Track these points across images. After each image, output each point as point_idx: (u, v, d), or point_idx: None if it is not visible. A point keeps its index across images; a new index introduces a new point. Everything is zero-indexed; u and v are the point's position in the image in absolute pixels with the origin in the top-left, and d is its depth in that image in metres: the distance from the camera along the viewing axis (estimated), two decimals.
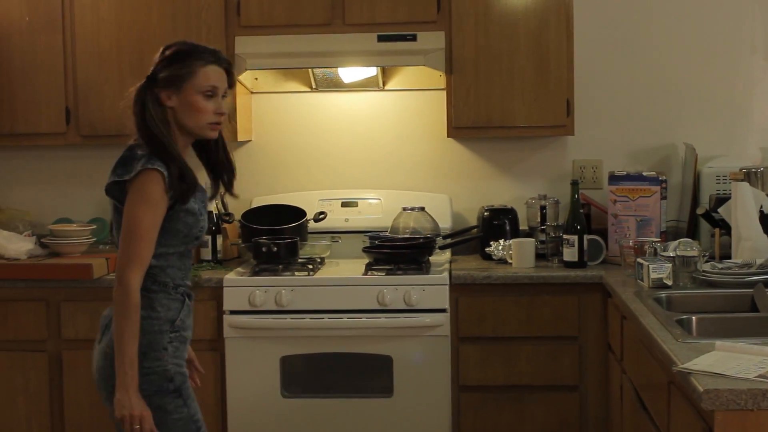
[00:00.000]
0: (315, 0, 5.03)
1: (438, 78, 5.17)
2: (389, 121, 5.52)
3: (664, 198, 5.00)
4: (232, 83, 3.40)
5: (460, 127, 5.10)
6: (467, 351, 4.79)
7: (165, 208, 3.21)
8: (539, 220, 5.17)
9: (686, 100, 5.37)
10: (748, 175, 4.80)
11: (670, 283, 4.21)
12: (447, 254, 5.28)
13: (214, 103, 3.31)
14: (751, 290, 4.03)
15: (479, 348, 4.79)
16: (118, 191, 3.26)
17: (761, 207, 4.61)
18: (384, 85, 5.46)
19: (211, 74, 3.30)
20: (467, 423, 4.81)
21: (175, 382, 3.29)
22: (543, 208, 5.16)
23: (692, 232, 5.09)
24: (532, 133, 5.14)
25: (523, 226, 5.27)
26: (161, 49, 3.35)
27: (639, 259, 4.38)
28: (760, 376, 2.74)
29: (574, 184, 4.93)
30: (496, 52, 5.04)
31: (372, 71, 5.26)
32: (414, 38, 4.99)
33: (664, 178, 5.03)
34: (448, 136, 5.15)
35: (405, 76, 5.43)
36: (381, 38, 4.98)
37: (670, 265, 4.23)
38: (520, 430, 4.80)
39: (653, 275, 4.21)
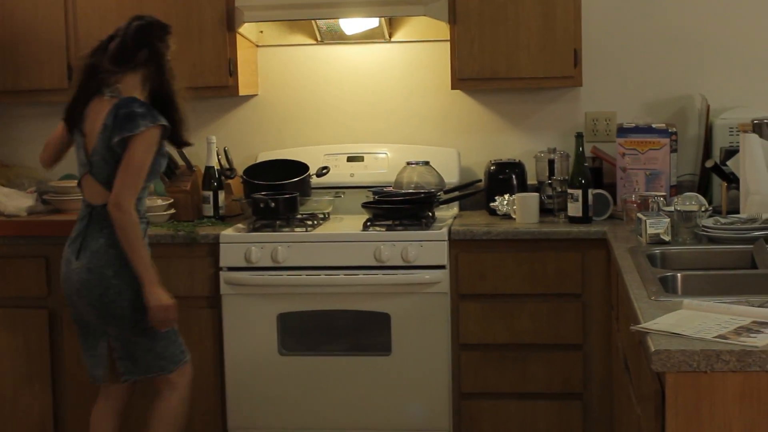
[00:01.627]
0: None
1: (445, 29, 5.03)
2: (396, 74, 5.39)
3: (674, 151, 4.84)
4: None
5: (464, 79, 4.97)
6: (467, 308, 4.69)
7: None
8: (548, 174, 5.03)
9: (704, 49, 5.18)
10: (759, 127, 4.62)
11: (667, 238, 4.06)
12: (454, 209, 5.17)
13: None
14: (752, 246, 3.87)
15: (480, 305, 4.68)
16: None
17: None
18: (390, 37, 5.34)
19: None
20: (468, 381, 4.71)
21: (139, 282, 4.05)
22: (551, 162, 5.02)
23: (704, 186, 4.92)
24: (538, 84, 5.00)
25: (531, 181, 5.13)
26: None
27: (638, 214, 4.24)
28: (720, 336, 2.60)
29: (578, 137, 4.78)
30: (500, 1, 4.88)
31: (374, 22, 5.14)
32: None
33: (674, 130, 4.86)
34: (452, 88, 5.03)
35: (412, 28, 5.30)
36: None
37: (668, 220, 4.08)
38: (523, 389, 4.70)
39: (650, 230, 4.07)
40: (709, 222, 4.15)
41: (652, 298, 3.10)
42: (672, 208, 4.18)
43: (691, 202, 4.17)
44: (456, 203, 5.16)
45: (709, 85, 5.13)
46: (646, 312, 2.92)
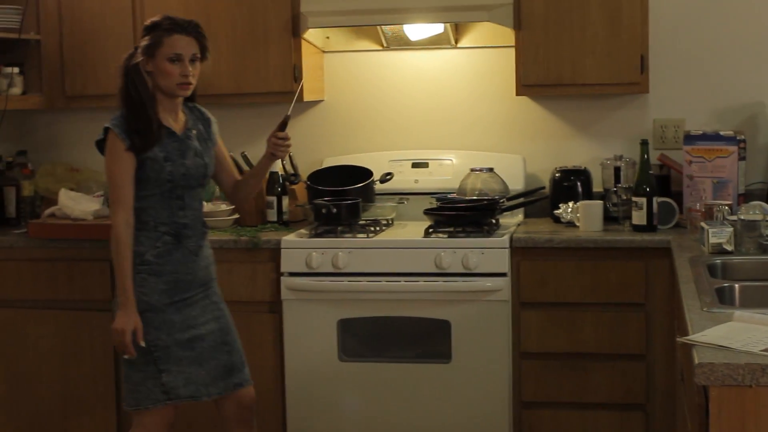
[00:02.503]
0: None
1: (510, 34, 4.98)
2: (462, 80, 5.36)
3: (742, 159, 4.74)
4: (204, 49, 3.98)
5: (529, 85, 4.92)
6: (528, 317, 4.64)
7: (132, 159, 3.85)
8: (613, 182, 4.96)
9: None
10: None
11: (730, 248, 3.98)
12: (519, 216, 5.12)
13: (180, 67, 3.88)
14: None
15: (541, 314, 4.63)
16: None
17: None
18: (456, 42, 5.31)
19: (176, 42, 3.89)
20: (528, 391, 4.66)
21: (137, 307, 3.84)
22: (617, 169, 4.95)
23: None
24: (603, 91, 4.94)
25: (597, 188, 5.07)
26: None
27: (702, 223, 4.16)
28: (767, 350, 2.54)
29: (644, 144, 4.71)
30: (566, 5, 4.83)
31: (439, 28, 5.11)
32: None
33: (743, 137, 4.76)
34: (517, 95, 4.98)
35: (477, 33, 5.26)
36: None
37: (732, 229, 4.00)
38: (584, 399, 4.63)
39: (713, 240, 4.00)
40: None
41: (705, 309, 3.04)
42: (736, 218, 4.10)
43: (755, 211, 4.09)
44: (521, 210, 5.12)
45: None
46: (697, 323, 2.86)
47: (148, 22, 3.97)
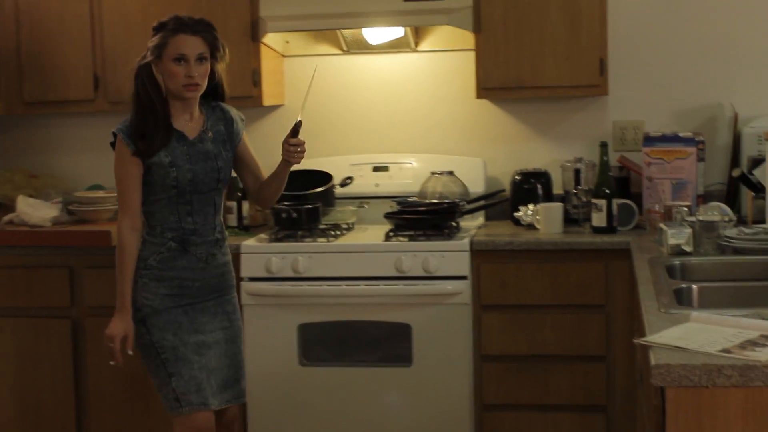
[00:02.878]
0: None
1: (470, 38, 4.98)
2: (422, 83, 5.35)
3: (701, 160, 4.76)
4: (214, 48, 3.82)
5: (489, 88, 4.93)
6: (489, 319, 4.64)
7: (138, 163, 3.77)
8: (574, 184, 4.96)
9: (733, 56, 5.09)
10: None
11: (689, 249, 3.99)
12: (480, 219, 5.12)
13: (185, 68, 3.74)
14: None
15: (502, 316, 4.64)
16: None
17: None
18: (416, 46, 5.30)
19: (180, 42, 3.74)
20: (490, 393, 4.67)
21: (141, 312, 3.79)
22: (577, 171, 4.95)
23: (733, 196, 4.83)
24: (563, 93, 4.95)
25: (558, 191, 5.07)
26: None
27: (661, 224, 4.17)
28: (724, 350, 2.54)
29: (603, 146, 4.73)
30: (525, 8, 4.84)
31: (399, 32, 5.10)
32: None
33: (702, 139, 4.79)
34: (477, 98, 4.98)
35: (438, 37, 5.26)
36: None
37: (690, 230, 4.01)
38: (545, 401, 4.64)
39: (671, 241, 4.01)
40: (732, 232, 4.08)
41: (662, 310, 3.04)
42: (695, 219, 4.11)
43: (713, 212, 4.10)
44: (482, 213, 5.12)
45: (739, 93, 5.05)
46: (654, 324, 2.87)
47: (155, 22, 3.83)
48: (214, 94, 3.93)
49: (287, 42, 5.31)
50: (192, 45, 3.75)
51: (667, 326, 2.81)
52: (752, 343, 2.59)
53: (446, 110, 5.34)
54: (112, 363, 3.77)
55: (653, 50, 5.14)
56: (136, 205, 3.79)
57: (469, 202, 4.91)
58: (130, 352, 3.76)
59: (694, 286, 3.44)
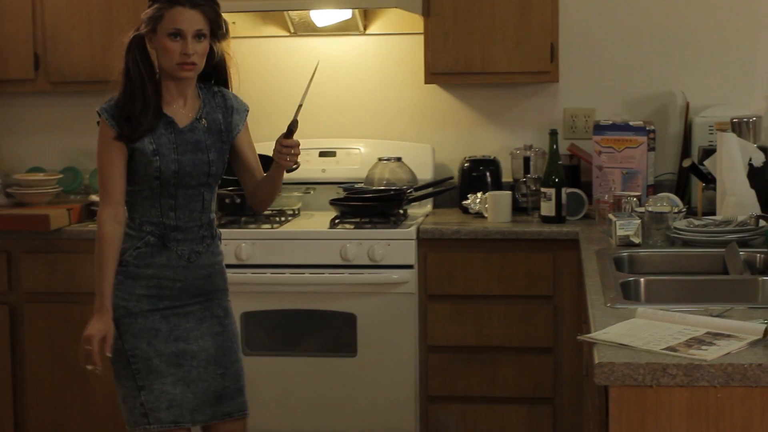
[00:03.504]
0: None
1: (420, 21, 4.89)
2: (371, 67, 5.25)
3: (652, 149, 4.70)
4: (215, 24, 3.43)
5: (437, 73, 4.85)
6: (436, 309, 4.56)
7: (121, 148, 3.39)
8: (523, 172, 4.89)
9: (685, 45, 5.02)
10: (739, 125, 4.50)
11: (637, 241, 3.92)
12: (428, 207, 5.04)
13: (181, 45, 3.36)
14: (724, 250, 3.73)
15: (448, 306, 4.56)
16: None
17: (750, 159, 4.30)
18: (365, 29, 5.20)
19: (177, 16, 3.35)
20: (435, 385, 4.59)
21: (115, 313, 3.40)
22: (527, 159, 4.88)
23: (683, 187, 4.78)
24: (513, 80, 4.88)
25: (507, 179, 5.00)
26: None
27: (610, 215, 4.10)
28: (669, 348, 2.48)
29: (552, 134, 4.66)
30: None
31: (347, 14, 5.01)
32: None
33: (653, 128, 4.72)
34: (425, 83, 4.90)
35: (387, 20, 5.17)
36: None
37: (639, 221, 3.95)
38: (491, 393, 4.57)
39: (620, 232, 3.94)
40: (682, 224, 4.02)
41: (608, 304, 2.98)
42: (644, 209, 4.05)
43: (663, 203, 4.03)
44: (430, 201, 5.04)
45: (692, 82, 4.99)
46: (599, 320, 2.80)
47: None
48: (216, 77, 3.56)
49: (233, 23, 5.17)
50: (190, 19, 3.34)
51: (613, 322, 2.75)
52: (699, 341, 2.53)
53: (395, 95, 5.24)
54: (89, 367, 3.36)
55: (605, 37, 5.07)
56: (119, 193, 3.40)
57: (417, 189, 4.82)
58: (109, 354, 3.37)
59: (642, 280, 3.38)
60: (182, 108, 3.44)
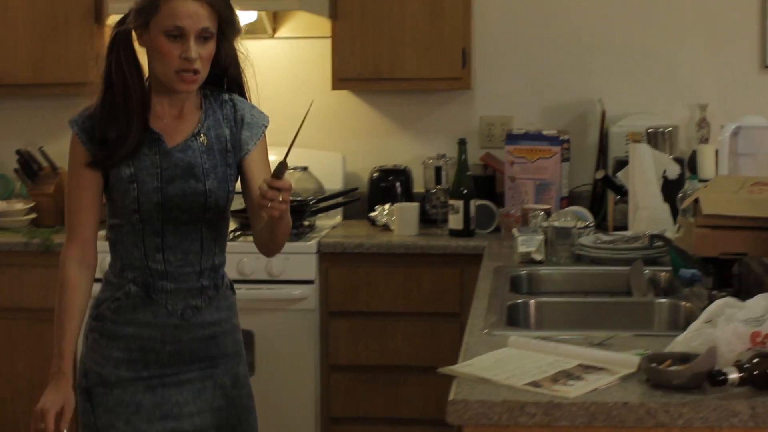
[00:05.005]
0: None
1: (328, 24, 4.70)
2: (280, 72, 5.04)
3: (566, 160, 4.52)
4: (226, 21, 2.74)
5: (345, 79, 4.66)
6: (338, 327, 4.38)
7: (95, 173, 2.73)
8: (435, 182, 4.70)
9: (607, 51, 4.85)
10: (654, 136, 4.34)
11: (539, 258, 3.73)
12: (337, 218, 4.85)
13: (180, 46, 2.65)
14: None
15: (351, 324, 4.38)
16: None
17: (664, 172, 4.13)
18: (274, 32, 5.00)
19: (178, 9, 2.64)
20: (337, 406, 4.41)
21: (87, 379, 2.76)
22: (438, 169, 4.69)
23: (600, 199, 4.59)
24: (423, 87, 4.71)
25: (420, 189, 4.80)
26: None
27: (514, 230, 3.91)
28: (532, 383, 2.28)
29: (461, 143, 4.47)
30: None
31: (252, 16, 4.79)
32: None
33: (567, 137, 4.54)
34: (333, 89, 4.70)
35: (297, 23, 4.98)
36: None
37: (542, 237, 3.76)
38: (396, 414, 4.39)
39: (521, 248, 3.75)
40: (588, 240, 3.84)
41: (485, 331, 2.78)
42: (545, 224, 3.86)
43: (567, 218, 3.85)
44: (339, 213, 4.85)
45: (612, 90, 4.82)
46: (471, 348, 2.63)
47: None
48: (229, 82, 2.89)
49: None
50: (194, 14, 2.65)
51: (485, 350, 2.57)
52: (566, 375, 2.33)
53: (305, 101, 4.99)
54: None
55: (523, 44, 4.89)
56: (88, 229, 2.76)
57: (321, 200, 4.61)
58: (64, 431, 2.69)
59: (532, 302, 3.19)
60: (175, 121, 2.77)
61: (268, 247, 2.88)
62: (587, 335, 2.66)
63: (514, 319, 3.04)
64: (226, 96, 2.86)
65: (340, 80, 4.66)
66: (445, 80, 4.63)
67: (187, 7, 2.64)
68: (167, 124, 2.75)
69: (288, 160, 2.63)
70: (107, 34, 4.37)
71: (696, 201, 2.77)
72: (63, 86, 4.78)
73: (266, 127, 2.92)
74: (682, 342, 2.42)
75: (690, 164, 4.50)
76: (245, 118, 2.85)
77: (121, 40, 2.70)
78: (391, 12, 4.58)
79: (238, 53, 2.87)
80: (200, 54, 2.65)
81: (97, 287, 2.82)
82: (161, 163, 2.72)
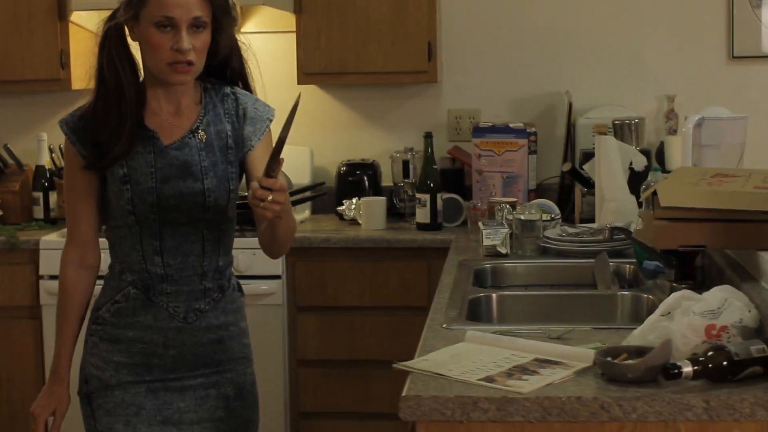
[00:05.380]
0: None
1: (293, 19, 4.68)
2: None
3: (533, 152, 4.50)
4: (221, 8, 2.62)
5: (310, 74, 4.63)
6: (305, 322, 4.37)
7: (88, 173, 2.64)
8: (402, 176, 4.69)
9: (573, 42, 4.83)
10: (621, 128, 4.33)
11: (504, 251, 3.71)
12: (306, 213, 4.82)
13: (171, 37, 2.54)
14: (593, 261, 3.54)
15: (319, 319, 4.36)
16: None
17: (631, 164, 4.12)
18: (240, 27, 4.96)
19: None
20: (306, 401, 4.39)
21: (88, 385, 2.69)
22: (406, 162, 4.67)
23: (567, 192, 4.58)
24: (389, 80, 4.68)
25: (388, 183, 4.79)
26: None
27: (479, 223, 3.90)
28: (486, 378, 2.26)
29: (427, 137, 4.45)
30: None
31: None
32: None
33: (533, 130, 4.53)
34: (298, 83, 4.67)
35: (262, 17, 4.94)
36: None
37: (507, 230, 3.74)
38: (365, 409, 4.38)
39: (486, 242, 3.73)
40: (553, 233, 3.83)
41: (444, 325, 2.77)
42: (509, 217, 3.85)
43: (532, 210, 3.83)
44: (308, 207, 4.82)
45: (580, 82, 4.81)
46: (428, 343, 2.60)
47: None
48: (231, 74, 2.80)
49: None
50: (184, 4, 2.54)
51: (443, 345, 2.55)
52: (521, 370, 2.32)
53: (272, 95, 4.87)
54: None
55: (489, 36, 4.87)
56: (87, 231, 2.69)
57: (290, 194, 4.58)
58: None
59: (494, 295, 3.18)
60: (172, 117, 2.67)
61: (270, 249, 2.77)
62: (546, 329, 2.65)
63: (476, 313, 3.03)
64: (227, 89, 2.74)
65: (305, 75, 4.63)
66: (411, 74, 4.60)
67: None
68: (164, 120, 2.65)
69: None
70: (73, 31, 4.42)
71: (654, 193, 2.76)
72: (27, 83, 4.76)
73: (271, 120, 2.78)
74: (638, 335, 2.41)
75: (658, 156, 4.51)
76: (248, 112, 2.74)
77: (112, 36, 2.60)
78: (356, 6, 4.55)
79: (240, 44, 2.78)
80: (193, 45, 2.55)
81: (98, 290, 2.77)
82: (155, 162, 2.62)
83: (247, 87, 2.82)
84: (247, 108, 2.74)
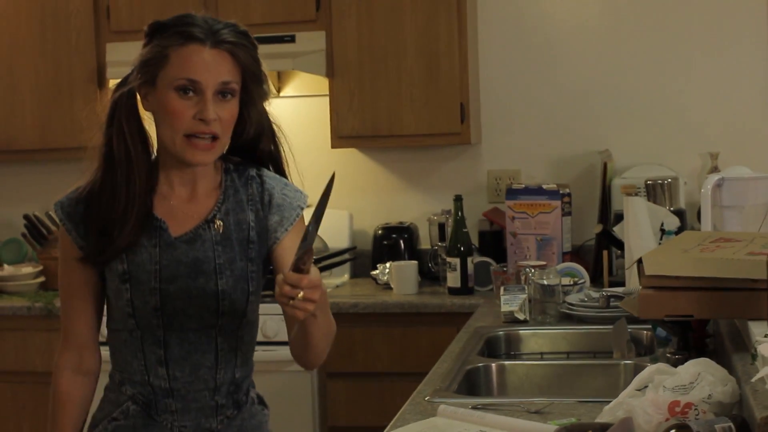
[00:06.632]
0: (186, 1, 4.56)
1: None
2: (287, 130, 4.97)
3: (567, 214, 4.41)
4: (252, 75, 2.30)
5: (344, 137, 4.61)
6: (336, 388, 4.32)
7: (83, 267, 2.31)
8: (438, 239, 4.64)
9: (614, 101, 4.74)
10: (654, 188, 4.22)
11: (522, 317, 3.64)
12: (344, 277, 4.80)
13: (195, 104, 2.20)
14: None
15: (349, 385, 4.32)
16: None
17: (662, 224, 4.01)
18: (279, 91, 4.99)
19: (191, 57, 2.19)
20: None
21: None
22: (441, 225, 4.62)
23: (602, 254, 4.47)
24: (423, 143, 4.63)
25: (426, 246, 4.74)
26: None
27: (502, 288, 3.82)
28: None
29: (457, 200, 4.39)
30: (380, 53, 4.53)
31: None
32: (292, 39, 4.53)
33: (567, 191, 4.43)
34: (332, 147, 4.66)
35: (299, 82, 4.95)
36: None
37: (525, 296, 3.67)
38: None
39: (504, 308, 3.66)
40: (575, 298, 3.74)
41: (427, 398, 2.71)
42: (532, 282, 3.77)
43: (551, 275, 3.74)
44: (347, 271, 4.80)
45: (619, 141, 4.72)
46: (403, 417, 2.55)
47: (145, 28, 2.28)
48: (260, 154, 2.42)
49: None
50: (212, 66, 2.20)
51: (416, 419, 2.50)
52: None
53: (311, 158, 4.95)
54: None
55: (530, 96, 4.81)
56: (84, 332, 2.36)
57: (320, 260, 4.57)
58: None
59: (493, 365, 3.11)
60: (185, 204, 2.32)
61: (305, 358, 2.39)
62: (529, 403, 2.58)
63: (474, 384, 2.97)
64: (253, 171, 2.36)
65: (339, 138, 4.62)
66: (444, 135, 4.56)
67: (203, 55, 2.18)
68: (175, 207, 2.31)
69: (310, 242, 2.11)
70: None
71: (639, 261, 2.68)
72: (68, 151, 4.78)
73: (303, 209, 2.38)
74: (608, 411, 2.33)
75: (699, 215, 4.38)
76: (274, 198, 2.36)
77: (123, 105, 2.25)
78: (388, 68, 4.53)
79: (272, 122, 2.42)
80: (219, 115, 2.19)
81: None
82: (161, 257, 2.27)
83: (280, 170, 2.44)
84: (274, 194, 2.36)
